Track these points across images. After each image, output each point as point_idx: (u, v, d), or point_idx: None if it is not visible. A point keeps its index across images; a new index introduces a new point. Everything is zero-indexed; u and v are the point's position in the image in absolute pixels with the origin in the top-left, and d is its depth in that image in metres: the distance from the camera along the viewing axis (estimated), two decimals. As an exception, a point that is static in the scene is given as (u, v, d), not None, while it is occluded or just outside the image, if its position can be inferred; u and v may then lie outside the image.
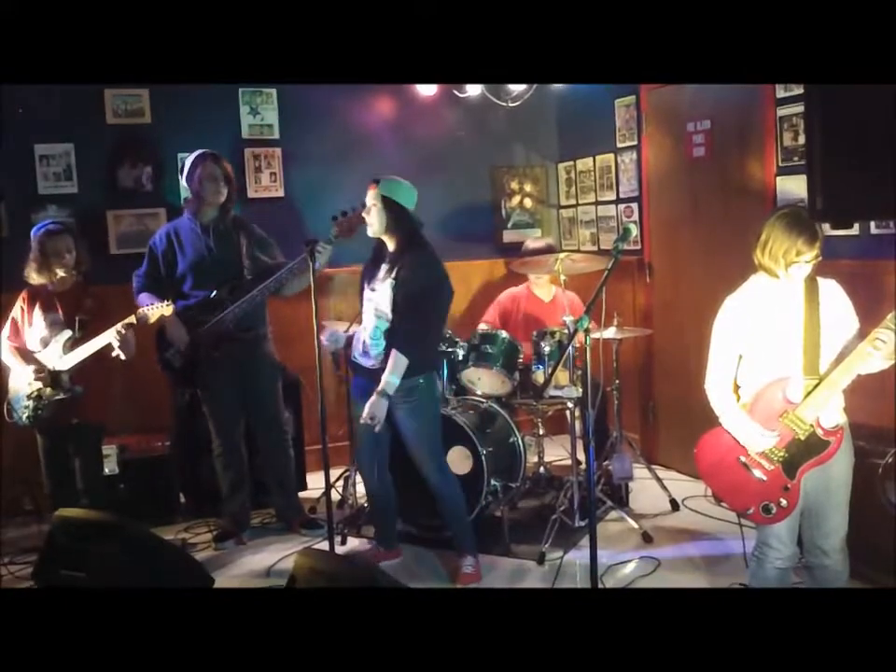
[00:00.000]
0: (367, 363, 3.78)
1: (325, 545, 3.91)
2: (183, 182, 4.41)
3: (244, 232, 4.37)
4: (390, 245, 3.74)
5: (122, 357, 3.92)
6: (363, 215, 3.72)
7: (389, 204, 3.65)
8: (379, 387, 3.63)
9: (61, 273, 4.05)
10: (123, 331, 3.87)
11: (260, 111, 5.55)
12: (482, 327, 4.94)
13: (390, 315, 3.68)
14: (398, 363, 3.62)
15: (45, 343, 4.05)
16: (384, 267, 3.74)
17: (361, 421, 3.68)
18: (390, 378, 3.63)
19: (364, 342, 3.79)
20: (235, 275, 4.28)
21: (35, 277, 4.07)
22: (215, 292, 4.23)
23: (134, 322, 3.91)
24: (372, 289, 3.77)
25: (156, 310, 3.95)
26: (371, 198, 3.67)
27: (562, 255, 4.62)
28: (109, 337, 3.89)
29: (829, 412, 2.73)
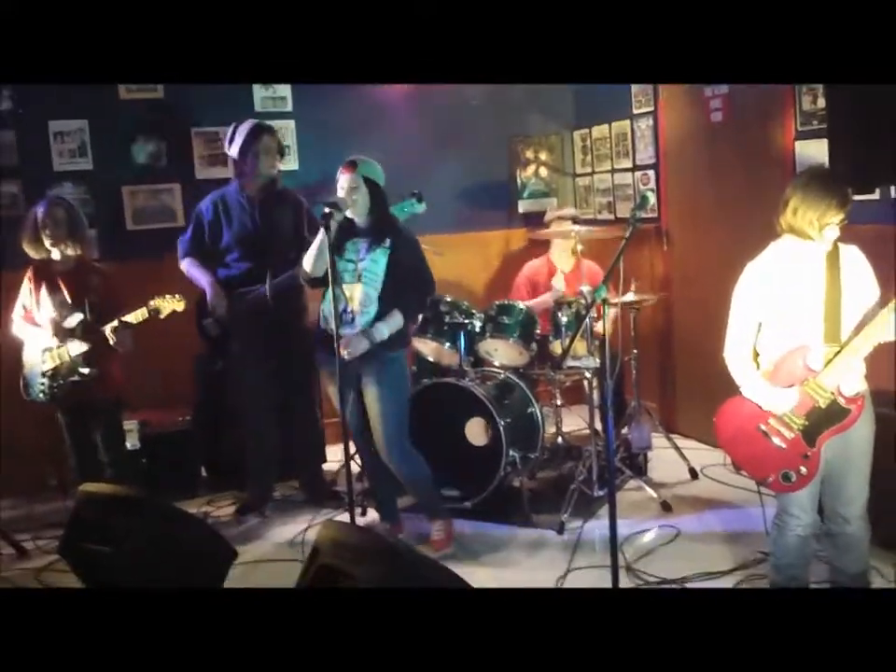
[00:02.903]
0: (349, 331, 3.71)
1: (345, 517, 3.94)
2: (231, 151, 4.34)
3: (290, 207, 4.36)
4: (365, 222, 3.72)
5: (119, 350, 3.98)
6: (343, 196, 3.64)
7: (371, 185, 3.68)
8: (366, 329, 3.66)
9: (48, 244, 4.01)
10: (117, 328, 3.91)
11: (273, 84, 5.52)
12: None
13: (381, 282, 3.70)
14: (394, 320, 3.70)
15: (55, 325, 4.05)
16: (361, 240, 3.73)
17: (343, 352, 3.56)
18: (382, 327, 3.67)
19: (348, 309, 3.72)
20: (278, 250, 4.28)
21: (29, 250, 4.06)
22: (256, 265, 4.23)
23: (135, 321, 3.92)
24: (351, 260, 3.73)
25: (168, 303, 3.95)
26: (352, 180, 3.64)
27: (578, 227, 4.60)
28: (105, 334, 3.94)
29: (850, 379, 2.71)
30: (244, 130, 4.28)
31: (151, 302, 3.93)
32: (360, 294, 3.72)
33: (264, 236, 4.28)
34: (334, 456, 4.96)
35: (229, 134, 4.33)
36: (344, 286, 3.72)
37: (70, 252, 4.07)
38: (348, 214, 3.63)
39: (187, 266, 4.36)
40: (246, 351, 4.32)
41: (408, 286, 3.74)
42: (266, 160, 4.27)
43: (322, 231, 3.48)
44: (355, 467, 4.70)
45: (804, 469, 2.74)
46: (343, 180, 3.66)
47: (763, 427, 2.79)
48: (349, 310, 3.72)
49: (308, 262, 3.70)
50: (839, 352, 2.67)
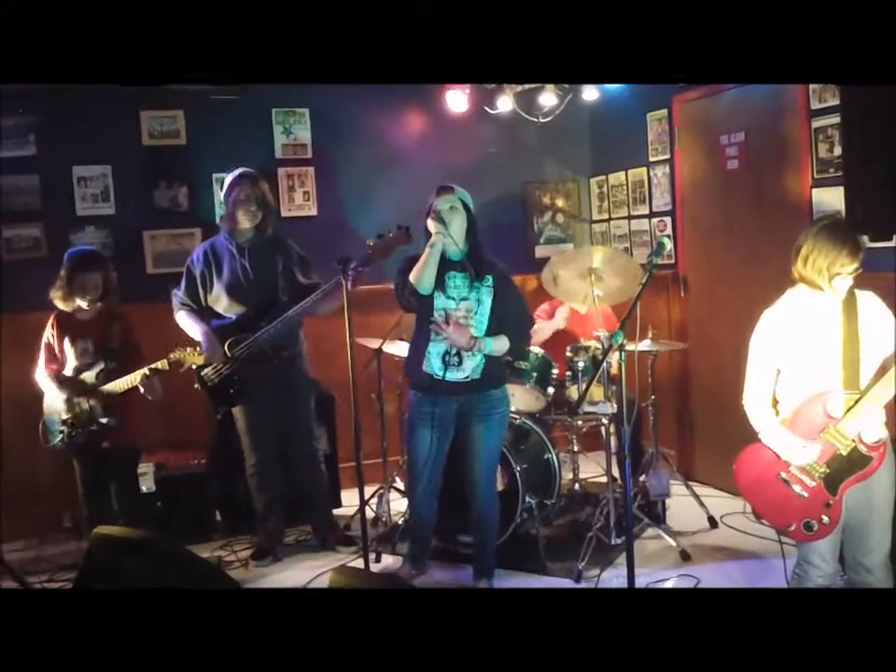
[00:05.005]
0: (455, 376, 3.64)
1: (359, 563, 3.90)
2: (221, 200, 4.42)
3: (281, 252, 4.36)
4: (460, 253, 3.61)
5: (149, 398, 3.96)
6: (435, 220, 3.56)
7: (468, 210, 3.64)
8: (476, 336, 3.57)
9: (83, 304, 4.01)
10: (149, 375, 3.89)
11: (293, 131, 5.60)
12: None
13: (487, 325, 3.62)
14: (502, 345, 3.63)
15: (77, 373, 4.04)
16: (460, 275, 3.63)
17: (448, 329, 3.53)
18: (491, 342, 3.59)
19: (452, 352, 3.61)
20: (271, 296, 4.29)
21: (58, 304, 4.03)
22: (249, 312, 4.25)
23: (162, 368, 3.90)
24: (453, 297, 3.63)
25: (189, 356, 3.94)
26: (452, 200, 3.60)
27: (595, 261, 4.59)
28: (135, 380, 3.92)
29: (871, 426, 2.68)
30: (229, 177, 4.32)
31: (172, 355, 3.92)
32: None
33: (254, 283, 4.28)
34: (351, 501, 4.93)
35: (220, 184, 4.40)
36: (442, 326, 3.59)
37: (99, 304, 4.06)
38: (441, 240, 3.53)
39: (181, 318, 4.33)
40: (246, 398, 4.32)
41: (509, 322, 3.68)
42: (242, 208, 4.24)
43: (428, 247, 3.52)
44: (369, 512, 4.69)
45: (826, 518, 2.70)
46: (443, 200, 3.58)
47: (784, 475, 2.76)
48: (454, 352, 3.62)
49: (415, 275, 3.55)
50: (859, 399, 2.65)
